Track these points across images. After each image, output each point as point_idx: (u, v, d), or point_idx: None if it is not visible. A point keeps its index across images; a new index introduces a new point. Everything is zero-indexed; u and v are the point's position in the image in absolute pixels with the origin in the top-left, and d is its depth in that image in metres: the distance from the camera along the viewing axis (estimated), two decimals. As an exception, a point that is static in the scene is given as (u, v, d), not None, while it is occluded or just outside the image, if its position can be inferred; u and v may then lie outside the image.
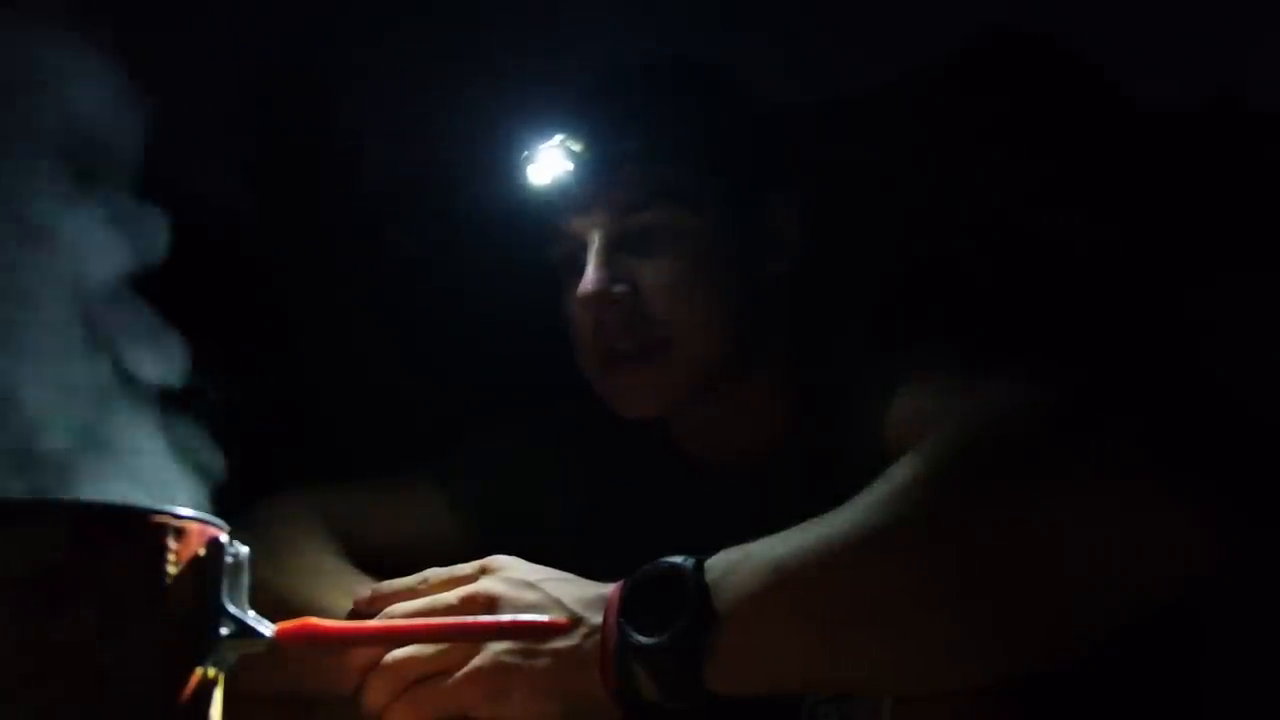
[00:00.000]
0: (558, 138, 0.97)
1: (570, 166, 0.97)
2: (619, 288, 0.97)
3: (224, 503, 0.62)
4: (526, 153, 0.98)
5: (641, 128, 0.99)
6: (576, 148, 0.97)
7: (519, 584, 0.77)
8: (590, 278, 0.97)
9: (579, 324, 1.00)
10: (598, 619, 0.74)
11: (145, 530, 0.55)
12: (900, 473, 0.72)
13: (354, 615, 0.81)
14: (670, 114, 1.00)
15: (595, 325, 0.98)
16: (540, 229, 1.01)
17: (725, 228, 1.00)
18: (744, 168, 1.02)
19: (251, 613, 0.58)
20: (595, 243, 0.98)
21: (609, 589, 0.75)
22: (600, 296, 0.97)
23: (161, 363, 0.68)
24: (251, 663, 0.59)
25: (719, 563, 0.73)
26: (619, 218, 0.98)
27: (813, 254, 1.04)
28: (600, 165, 0.97)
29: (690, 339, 0.99)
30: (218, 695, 0.57)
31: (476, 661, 0.74)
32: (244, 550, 0.59)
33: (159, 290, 0.69)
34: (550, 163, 0.97)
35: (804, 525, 0.72)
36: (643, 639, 0.72)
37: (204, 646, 0.56)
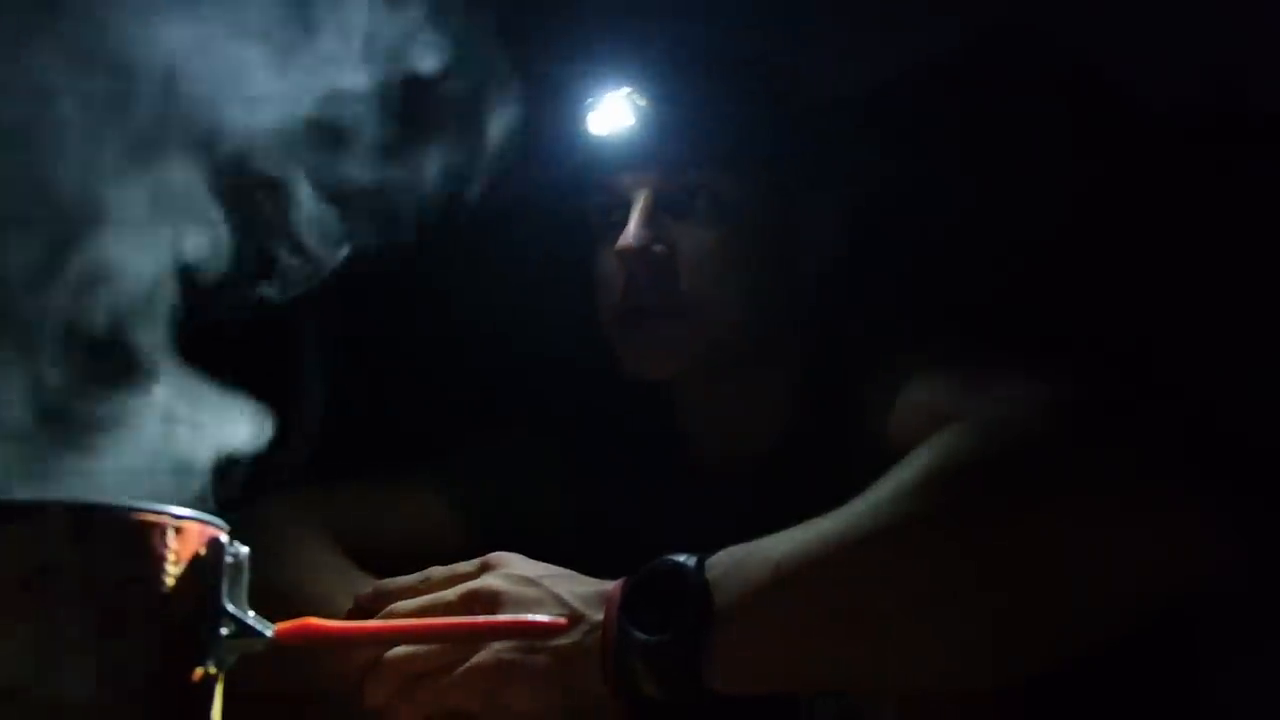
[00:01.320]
0: (624, 89, 0.98)
1: (631, 119, 0.98)
2: (658, 247, 0.99)
3: (224, 503, 0.62)
4: (590, 99, 0.99)
5: (706, 96, 1.00)
6: (641, 101, 0.98)
7: (520, 580, 0.77)
8: (632, 233, 0.98)
9: (609, 279, 1.01)
10: (598, 616, 0.74)
11: (145, 530, 0.55)
12: (905, 472, 0.72)
13: (356, 613, 0.81)
14: (735, 91, 1.02)
15: (626, 281, 0.99)
16: (586, 180, 1.02)
17: (767, 215, 1.01)
18: (794, 162, 1.03)
19: (251, 613, 0.58)
20: (641, 200, 0.99)
21: (610, 586, 0.75)
22: (640, 253, 0.98)
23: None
24: (251, 662, 0.59)
25: (721, 561, 0.73)
26: (668, 177, 0.99)
27: (843, 257, 1.05)
28: (661, 122, 0.98)
29: (712, 307, 1.00)
30: (218, 695, 0.57)
31: (477, 659, 0.74)
32: (244, 550, 0.59)
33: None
34: (612, 113, 0.99)
35: (807, 524, 0.72)
36: (644, 636, 0.72)
37: (204, 646, 0.56)
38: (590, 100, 1.00)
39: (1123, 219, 1.11)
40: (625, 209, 1.00)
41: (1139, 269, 1.09)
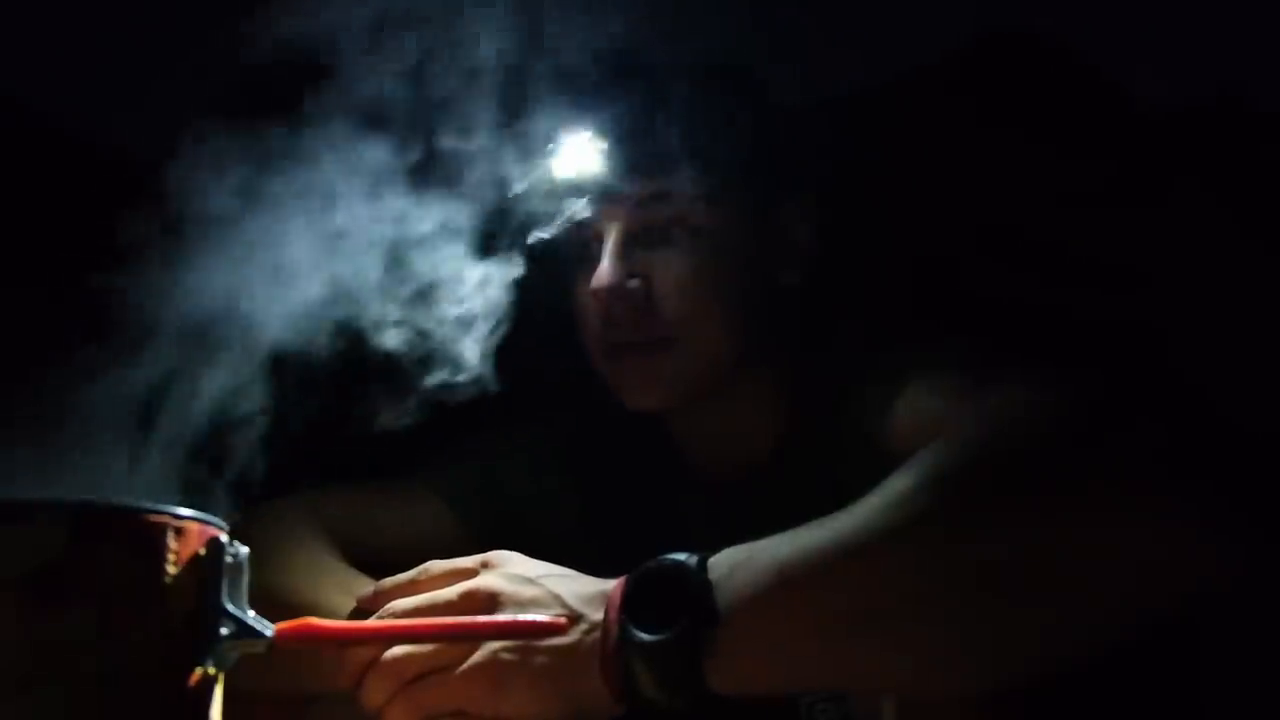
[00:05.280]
0: (584, 132, 0.98)
1: (595, 161, 0.98)
2: (632, 282, 0.98)
3: (224, 505, 0.62)
4: (551, 144, 0.99)
5: (668, 125, 0.99)
6: (602, 142, 0.97)
7: (519, 580, 0.77)
8: (605, 270, 0.97)
9: (588, 315, 1.01)
10: (598, 615, 0.74)
11: (145, 530, 0.55)
12: (909, 475, 0.71)
13: (357, 613, 0.81)
14: (696, 114, 1.01)
15: (604, 318, 0.99)
16: (555, 217, 1.02)
17: (740, 232, 1.01)
18: (763, 173, 1.03)
19: (251, 613, 0.59)
20: (612, 235, 0.98)
21: (610, 585, 0.75)
22: (613, 290, 0.97)
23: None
24: (250, 662, 0.59)
25: (722, 561, 0.73)
26: (638, 211, 0.98)
27: (822, 266, 1.05)
28: (624, 160, 0.97)
29: (696, 337, 0.99)
30: (218, 695, 0.57)
31: (475, 659, 0.74)
32: (244, 550, 0.59)
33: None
34: (575, 156, 0.98)
35: (809, 525, 0.72)
36: (644, 636, 0.71)
37: (204, 646, 0.56)
38: (552, 145, 0.99)
39: (1119, 219, 1.11)
40: (598, 242, 0.99)
41: (1136, 270, 1.09)
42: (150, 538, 0.55)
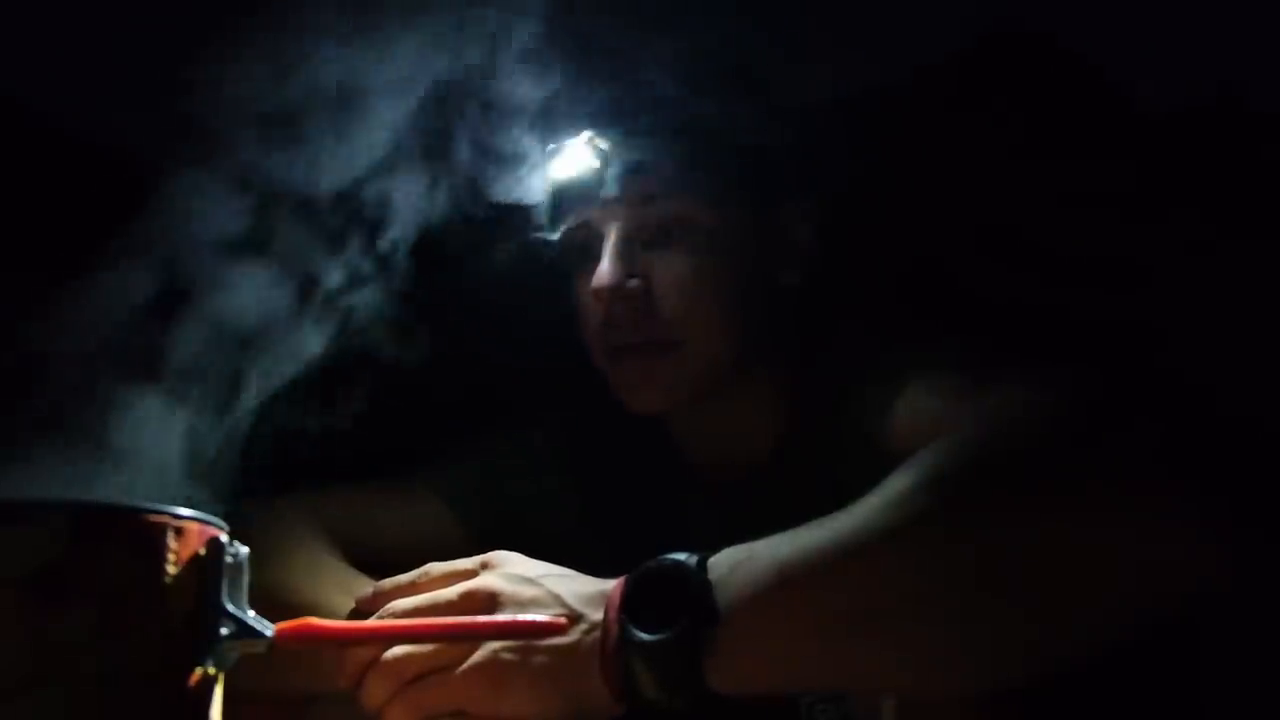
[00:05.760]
0: (585, 133, 0.98)
1: (595, 161, 0.97)
2: (633, 282, 0.98)
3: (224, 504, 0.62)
4: (552, 146, 0.98)
5: (668, 125, 0.99)
6: (603, 144, 0.97)
7: (519, 580, 0.77)
8: (605, 270, 0.97)
9: (588, 315, 1.01)
10: (598, 615, 0.74)
11: (145, 530, 0.55)
12: (908, 475, 0.71)
13: (356, 614, 0.81)
14: (697, 114, 1.01)
15: (604, 318, 0.99)
16: (556, 216, 1.02)
17: (741, 232, 1.01)
18: (763, 173, 1.03)
19: (251, 613, 0.59)
20: (613, 235, 0.98)
21: (610, 585, 0.75)
22: (614, 290, 0.97)
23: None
24: (250, 662, 0.59)
25: (722, 561, 0.73)
26: (638, 210, 0.98)
27: (822, 267, 1.05)
28: (625, 160, 0.97)
29: (698, 338, 0.99)
30: (218, 695, 0.57)
31: (475, 659, 0.74)
32: (244, 550, 0.59)
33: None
34: (575, 157, 0.98)
35: (809, 525, 0.72)
36: (644, 636, 0.71)
37: (204, 646, 0.56)
38: (553, 146, 0.99)
39: (1119, 219, 1.11)
40: (599, 241, 0.99)
41: (1135, 269, 1.09)
42: (150, 538, 0.55)
